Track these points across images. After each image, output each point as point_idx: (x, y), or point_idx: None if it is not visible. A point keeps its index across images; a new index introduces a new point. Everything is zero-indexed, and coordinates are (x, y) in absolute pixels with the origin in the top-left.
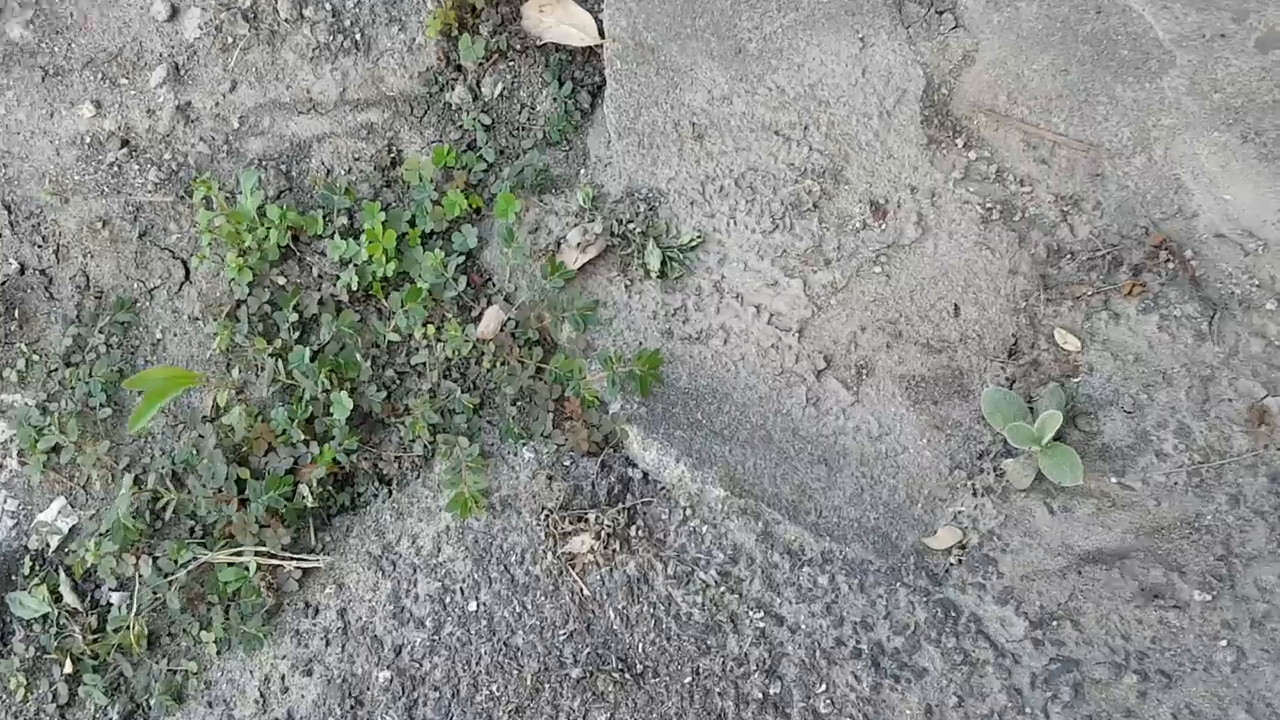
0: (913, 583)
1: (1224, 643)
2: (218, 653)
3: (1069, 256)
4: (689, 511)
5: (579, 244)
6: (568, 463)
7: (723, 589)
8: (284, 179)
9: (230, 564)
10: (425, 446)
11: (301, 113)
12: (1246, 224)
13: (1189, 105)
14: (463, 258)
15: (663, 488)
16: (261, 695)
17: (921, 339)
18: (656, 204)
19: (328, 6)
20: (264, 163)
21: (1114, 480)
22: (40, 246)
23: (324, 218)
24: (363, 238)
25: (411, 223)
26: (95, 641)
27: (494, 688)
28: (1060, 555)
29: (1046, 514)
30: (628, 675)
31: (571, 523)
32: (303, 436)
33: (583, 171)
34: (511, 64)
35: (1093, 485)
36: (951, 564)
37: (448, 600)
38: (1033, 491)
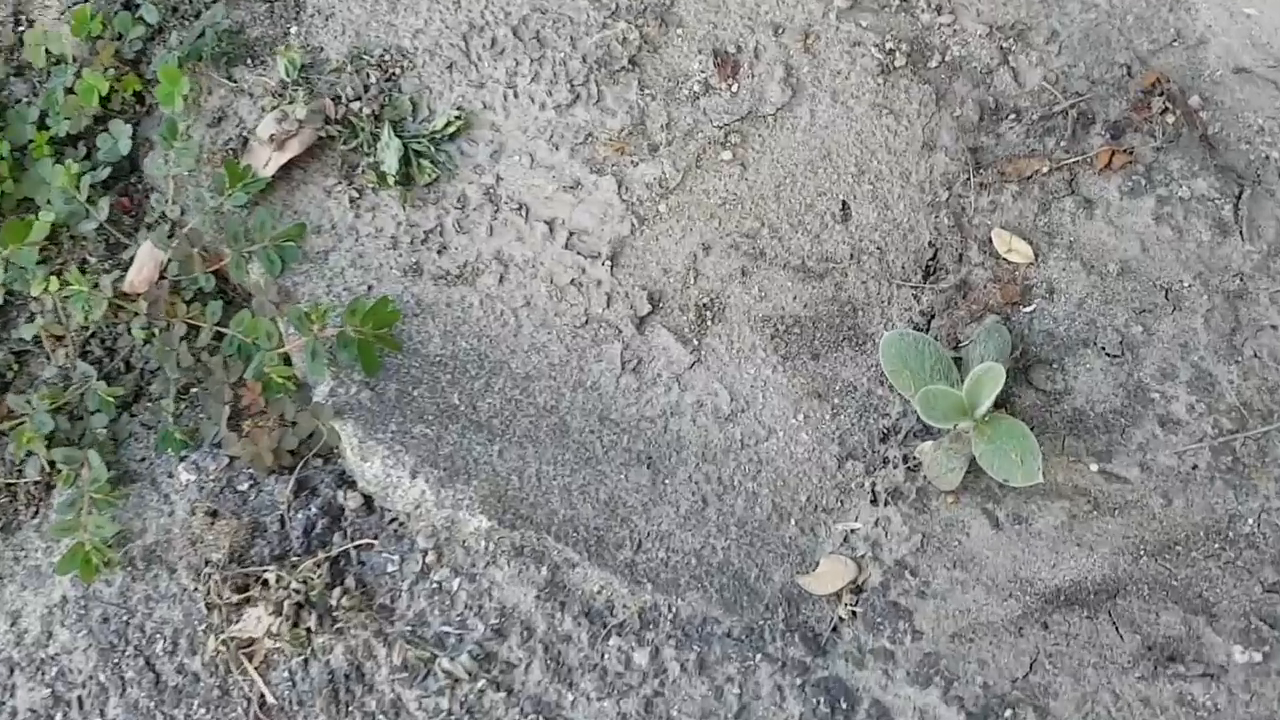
0: (781, 653)
1: None
2: None
3: (1012, 117)
4: (432, 557)
5: (273, 136)
6: (244, 487)
7: (482, 683)
8: None
9: None
10: (43, 468)
11: None
12: None
13: None
14: (110, 171)
15: (392, 520)
16: None
17: (794, 258)
18: (397, 71)
19: None
20: None
21: (1095, 468)
22: None
23: None
24: None
25: (42, 124)
26: None
27: None
28: (1013, 597)
29: (988, 529)
30: None
31: (244, 586)
32: None
33: (294, 30)
34: None
35: (1061, 479)
36: (841, 619)
37: (59, 718)
38: (966, 493)
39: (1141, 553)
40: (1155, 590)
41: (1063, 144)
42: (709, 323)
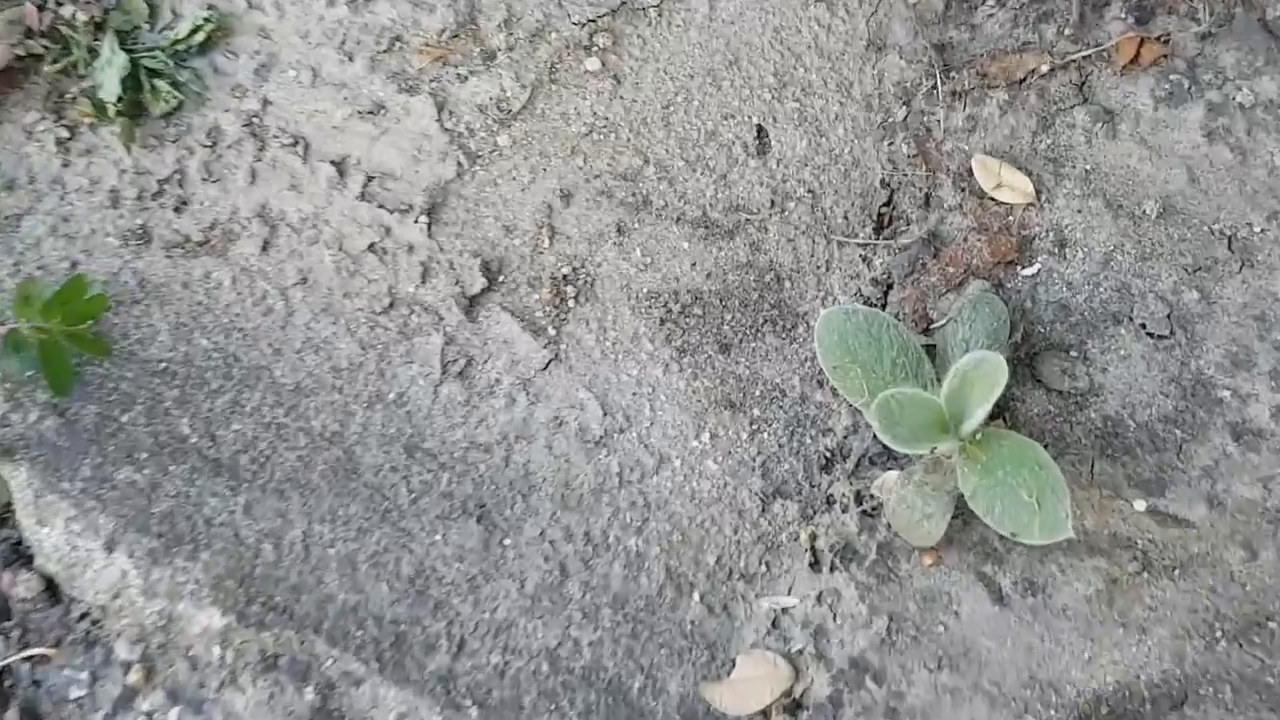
0: None
1: None
2: None
3: (992, 1)
4: (138, 675)
5: None
6: None
7: None
8: None
9: None
10: None
11: None
12: None
13: None
14: None
15: (82, 616)
16: None
17: (691, 208)
18: None
19: None
20: None
21: (1141, 507)
22: None
23: None
24: None
25: None
26: None
27: None
28: (1030, 713)
29: (988, 605)
30: None
31: None
32: None
33: None
34: None
35: (1091, 524)
36: None
37: None
38: (952, 550)
39: (1218, 634)
40: (1242, 692)
41: (1067, 33)
42: (571, 303)
